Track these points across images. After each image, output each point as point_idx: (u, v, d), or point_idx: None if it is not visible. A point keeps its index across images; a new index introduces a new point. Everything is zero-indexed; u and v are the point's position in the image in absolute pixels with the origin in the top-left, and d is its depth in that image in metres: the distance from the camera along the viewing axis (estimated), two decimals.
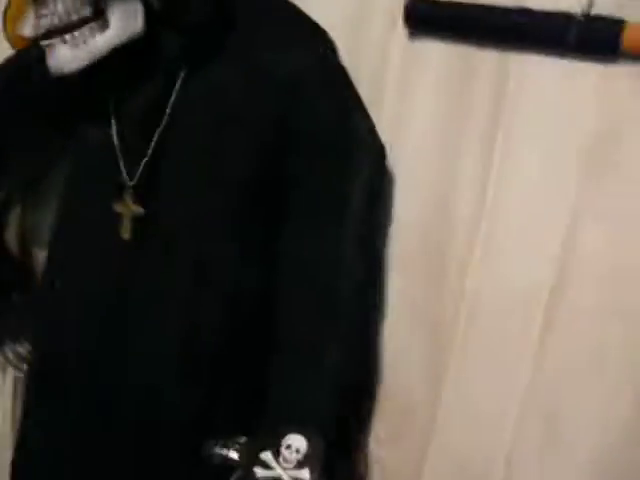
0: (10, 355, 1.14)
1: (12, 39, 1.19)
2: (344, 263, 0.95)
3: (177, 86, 0.94)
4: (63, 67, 0.88)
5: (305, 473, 0.86)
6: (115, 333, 1.00)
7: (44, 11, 0.87)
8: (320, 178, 0.94)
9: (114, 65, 0.90)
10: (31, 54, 0.98)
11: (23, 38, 1.09)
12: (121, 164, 0.98)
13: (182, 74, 0.94)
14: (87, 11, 0.86)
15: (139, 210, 0.97)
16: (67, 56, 0.87)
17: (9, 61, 1.10)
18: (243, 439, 0.92)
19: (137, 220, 0.97)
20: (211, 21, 0.91)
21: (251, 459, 0.88)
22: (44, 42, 0.88)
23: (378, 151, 0.98)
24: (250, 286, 0.98)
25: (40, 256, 1.23)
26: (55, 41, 0.87)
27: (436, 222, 0.97)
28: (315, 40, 0.96)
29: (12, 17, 1.24)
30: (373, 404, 1.04)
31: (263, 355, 0.94)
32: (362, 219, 0.96)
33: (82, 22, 0.86)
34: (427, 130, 0.97)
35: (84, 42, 0.87)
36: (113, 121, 0.98)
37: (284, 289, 0.95)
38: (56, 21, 0.86)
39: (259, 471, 0.87)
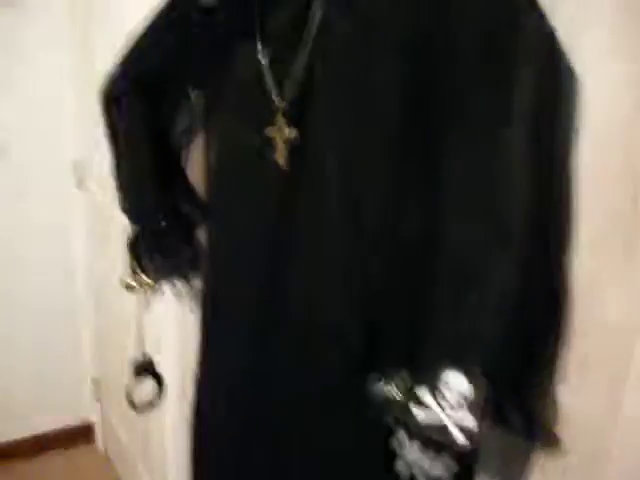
0: (183, 288, 1.17)
1: None
2: (516, 185, 0.80)
3: (321, 4, 0.86)
4: None
5: (469, 419, 0.77)
6: (278, 263, 0.97)
7: None
8: (482, 89, 0.79)
9: None
10: None
11: None
12: (271, 86, 0.93)
13: None
14: None
15: (293, 133, 0.92)
16: None
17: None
18: (404, 373, 0.85)
19: (291, 145, 0.92)
20: None
21: (407, 395, 0.81)
22: None
23: (551, 49, 0.81)
24: (409, 223, 0.87)
25: None
26: None
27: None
28: None
29: None
30: (560, 344, 0.90)
31: (426, 289, 0.85)
32: (536, 132, 0.81)
33: None
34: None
35: None
36: (259, 42, 0.94)
37: (446, 218, 0.83)
38: None
39: (418, 412, 0.80)
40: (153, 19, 1.11)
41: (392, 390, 0.85)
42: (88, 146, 2.33)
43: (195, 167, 1.23)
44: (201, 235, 1.18)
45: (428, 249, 0.84)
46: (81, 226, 2.52)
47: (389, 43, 0.83)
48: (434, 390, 0.78)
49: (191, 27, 1.00)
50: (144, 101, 1.13)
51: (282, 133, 0.93)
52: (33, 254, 2.49)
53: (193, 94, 1.15)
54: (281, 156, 0.94)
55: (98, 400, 2.67)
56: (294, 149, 0.92)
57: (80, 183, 2.47)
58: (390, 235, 0.87)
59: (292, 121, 0.92)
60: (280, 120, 0.93)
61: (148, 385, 1.26)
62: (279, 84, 0.93)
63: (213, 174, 1.11)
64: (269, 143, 0.94)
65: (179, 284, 1.19)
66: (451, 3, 0.79)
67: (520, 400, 0.85)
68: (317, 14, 0.88)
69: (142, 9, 1.11)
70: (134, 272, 1.17)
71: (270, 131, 0.94)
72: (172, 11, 1.06)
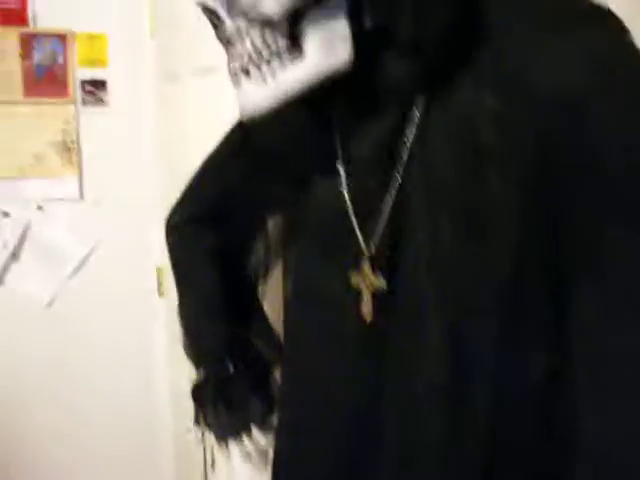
0: (250, 447, 1.00)
1: None
2: None
3: (414, 121, 0.72)
4: (247, 107, 0.72)
5: None
6: (366, 429, 0.80)
7: (233, 53, 0.72)
8: (617, 227, 0.64)
9: (327, 100, 0.72)
10: None
11: None
12: (355, 225, 0.79)
13: (419, 102, 0.72)
14: (282, 43, 0.69)
15: (381, 283, 0.76)
16: (251, 94, 0.71)
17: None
18: None
19: (379, 295, 0.77)
20: (451, 33, 0.67)
21: None
22: (232, 80, 0.73)
23: None
24: (524, 376, 0.71)
25: None
26: (240, 78, 0.72)
27: None
28: (594, 26, 0.66)
29: None
30: None
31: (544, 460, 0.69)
32: None
33: (273, 55, 0.70)
34: None
35: (272, 77, 0.70)
36: (342, 173, 0.80)
37: (578, 380, 0.68)
38: (245, 61, 0.70)
39: None
40: (222, 145, 1.00)
41: None
42: None
43: (272, 301, 1.09)
44: (274, 384, 1.02)
45: (552, 411, 0.69)
46: (162, 334, 2.42)
47: (498, 165, 0.67)
48: None
49: (265, 155, 0.88)
50: (213, 230, 1.01)
51: (368, 281, 0.77)
52: (111, 357, 2.40)
53: (268, 221, 1.02)
54: (367, 308, 0.78)
55: None
56: (382, 299, 0.77)
57: (161, 290, 2.39)
58: (502, 391, 0.72)
59: (380, 268, 0.76)
60: (366, 267, 0.78)
61: None
62: (365, 221, 0.78)
63: (289, 313, 0.96)
64: (353, 290, 0.79)
65: (247, 442, 1.02)
66: (579, 116, 0.63)
67: None
68: (409, 137, 0.73)
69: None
70: (199, 424, 1.02)
71: (355, 278, 0.78)
72: (242, 137, 0.95)
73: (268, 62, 0.70)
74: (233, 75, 0.73)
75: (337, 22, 0.69)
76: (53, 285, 2.36)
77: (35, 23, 2.26)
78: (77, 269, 2.37)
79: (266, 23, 0.69)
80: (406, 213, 0.74)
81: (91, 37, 2.29)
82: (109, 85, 2.31)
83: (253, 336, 1.05)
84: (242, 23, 0.70)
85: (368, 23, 0.69)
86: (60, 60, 2.28)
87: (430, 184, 0.72)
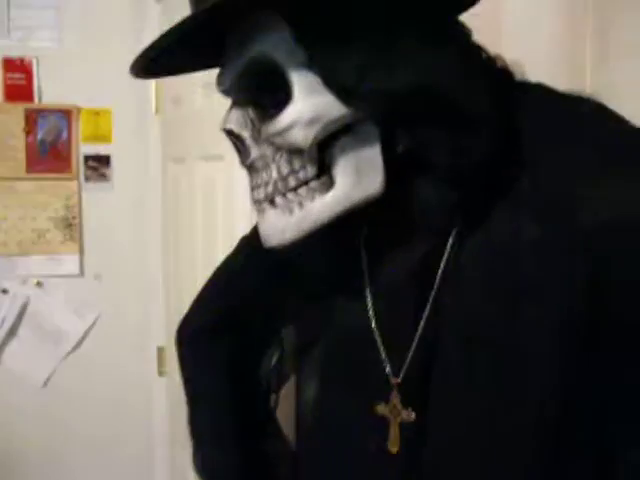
0: None
1: None
2: None
3: (446, 252, 0.68)
4: (271, 237, 0.68)
5: None
6: None
7: (258, 180, 0.69)
8: None
9: (357, 223, 0.68)
10: None
11: None
12: (382, 353, 0.74)
13: (453, 232, 0.68)
14: (310, 171, 0.66)
15: (410, 416, 0.71)
16: (276, 224, 0.67)
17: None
18: None
19: (407, 428, 0.72)
20: (490, 161, 0.64)
21: None
22: (254, 206, 0.70)
23: None
24: None
25: None
26: (264, 205, 0.69)
27: None
28: None
29: None
30: None
31: None
32: None
33: (301, 183, 0.66)
34: None
35: (299, 206, 0.66)
36: (369, 298, 0.76)
37: None
38: (270, 190, 0.67)
39: None
40: (236, 253, 0.97)
41: None
42: (172, 332, 2.20)
43: (285, 413, 1.03)
44: None
45: None
46: (163, 412, 2.34)
47: (538, 304, 0.63)
48: None
49: (284, 270, 0.84)
50: (226, 341, 0.96)
51: (396, 412, 0.72)
52: (109, 440, 2.32)
53: (284, 331, 0.97)
54: (393, 439, 0.73)
55: None
56: (409, 430, 0.71)
57: (162, 370, 2.33)
58: None
59: (409, 400, 0.71)
60: (395, 398, 0.72)
61: None
62: (393, 350, 0.73)
63: (308, 437, 0.90)
64: (378, 419, 0.73)
65: None
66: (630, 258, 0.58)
67: None
68: (440, 266, 0.69)
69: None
70: None
71: (381, 408, 0.73)
72: (260, 249, 0.91)
73: (295, 190, 0.67)
74: (256, 203, 0.70)
75: (369, 149, 0.65)
76: (50, 364, 2.29)
77: (40, 99, 2.25)
78: (75, 347, 2.31)
79: (294, 150, 0.66)
80: (437, 344, 0.70)
81: (96, 112, 2.28)
82: (113, 161, 2.29)
83: (265, 450, 0.99)
84: (268, 150, 0.67)
85: (400, 149, 0.66)
86: (64, 135, 2.26)
87: (463, 315, 0.68)
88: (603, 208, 0.59)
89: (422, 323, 0.71)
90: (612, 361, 0.60)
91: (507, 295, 0.64)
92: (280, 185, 0.67)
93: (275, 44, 0.63)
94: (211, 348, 0.97)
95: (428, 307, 0.70)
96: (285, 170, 0.67)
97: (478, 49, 0.69)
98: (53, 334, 2.29)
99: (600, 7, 0.88)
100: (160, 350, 2.32)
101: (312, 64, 0.63)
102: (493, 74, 0.69)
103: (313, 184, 0.66)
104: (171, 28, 0.63)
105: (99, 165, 2.28)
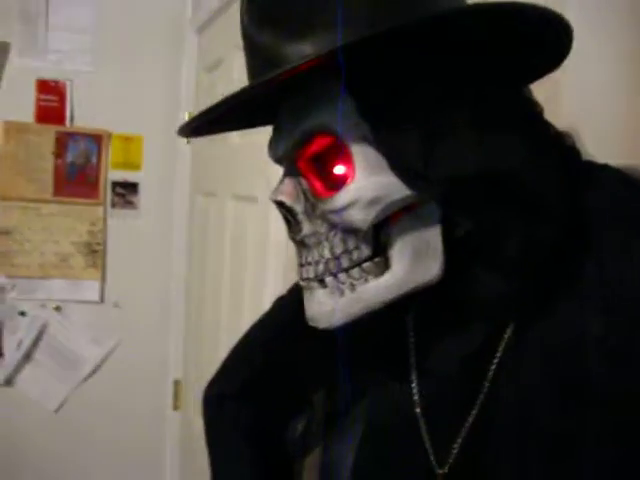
0: None
1: None
2: None
3: (504, 342, 0.64)
4: (318, 318, 0.64)
5: None
6: None
7: (308, 258, 0.64)
8: None
9: (409, 308, 0.64)
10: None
11: None
12: (427, 443, 0.69)
13: (511, 324, 0.64)
14: (364, 252, 0.61)
15: None
16: (325, 305, 0.63)
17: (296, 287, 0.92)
18: None
19: None
20: (554, 255, 0.60)
21: None
22: (302, 284, 0.66)
23: None
24: None
25: None
26: (313, 284, 0.64)
27: None
28: None
29: None
30: None
31: None
32: None
33: (354, 264, 0.62)
34: None
35: (351, 288, 0.62)
36: (414, 383, 0.71)
37: None
38: (321, 269, 0.63)
39: None
40: (269, 317, 0.92)
41: None
42: (190, 366, 2.16)
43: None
44: None
45: None
46: (175, 452, 2.29)
47: (601, 409, 0.58)
48: None
49: (321, 341, 0.79)
50: (253, 407, 0.91)
51: None
52: (118, 472, 2.27)
53: (315, 398, 0.92)
54: None
55: None
56: None
57: (177, 404, 2.28)
58: None
59: None
60: None
61: None
62: (438, 439, 0.69)
63: None
64: None
65: None
66: None
67: None
68: (495, 359, 0.65)
69: None
70: None
71: None
72: (295, 315, 0.87)
73: (347, 271, 0.62)
74: (305, 281, 0.65)
75: (429, 232, 0.61)
76: (64, 390, 2.26)
77: (72, 122, 2.23)
78: (90, 374, 2.27)
79: (350, 230, 0.62)
80: (487, 437, 0.65)
81: (127, 138, 2.26)
82: (141, 189, 2.27)
83: None
84: (322, 227, 0.63)
85: (460, 231, 0.61)
86: (93, 160, 2.24)
87: (519, 411, 0.63)
88: None
89: (473, 413, 0.66)
90: None
91: (569, 391, 0.60)
92: (332, 265, 0.63)
93: (337, 116, 0.59)
94: (236, 413, 0.92)
95: (481, 397, 0.66)
96: (338, 249, 0.62)
97: (548, 125, 0.65)
98: (69, 360, 2.25)
99: None
100: (176, 383, 2.28)
101: (376, 141, 0.59)
102: (562, 154, 0.64)
103: (367, 266, 0.62)
104: (229, 97, 0.59)
105: (126, 192, 2.26)
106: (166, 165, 2.26)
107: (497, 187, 0.59)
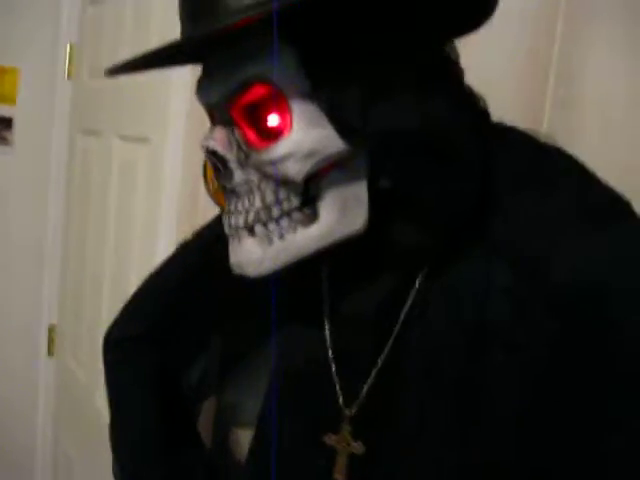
0: None
1: (214, 196, 1.03)
2: None
3: (414, 288, 0.67)
4: (246, 266, 0.64)
5: None
6: None
7: (238, 206, 0.64)
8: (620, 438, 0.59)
9: (324, 257, 0.66)
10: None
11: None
12: (336, 385, 0.72)
13: (421, 273, 0.67)
14: (294, 202, 0.62)
15: (359, 449, 0.70)
16: (253, 254, 0.63)
17: (203, 232, 0.91)
18: None
19: (355, 460, 0.70)
20: (468, 209, 0.63)
21: None
22: (229, 231, 0.66)
23: None
24: None
25: (241, 435, 1.02)
26: (241, 233, 0.64)
27: None
28: (620, 219, 0.62)
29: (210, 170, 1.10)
30: None
31: None
32: None
33: (283, 214, 0.63)
34: None
35: (280, 237, 0.63)
36: (327, 329, 0.74)
37: None
38: (251, 219, 0.63)
39: None
40: (174, 260, 0.92)
41: None
42: (67, 312, 2.09)
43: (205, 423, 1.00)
44: None
45: None
46: (49, 401, 2.22)
47: (504, 353, 0.63)
48: None
49: (229, 285, 0.80)
50: (154, 348, 0.91)
51: (345, 446, 0.71)
52: None
53: (214, 343, 0.93)
54: (341, 471, 0.71)
55: None
56: (358, 466, 0.70)
57: (51, 349, 2.21)
58: None
59: (360, 433, 0.70)
60: (345, 430, 0.71)
61: None
62: (348, 381, 0.72)
63: (247, 462, 0.87)
64: (326, 449, 0.72)
65: None
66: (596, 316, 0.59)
67: None
68: (405, 305, 0.68)
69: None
70: None
71: (330, 438, 0.72)
72: (203, 260, 0.87)
73: (277, 221, 0.63)
74: (233, 229, 0.65)
75: (356, 185, 0.62)
76: None
77: None
78: None
79: (283, 181, 0.62)
80: (395, 379, 0.69)
81: (1, 70, 2.10)
82: (15, 124, 2.13)
83: (189, 462, 0.95)
84: (254, 176, 0.63)
85: (385, 184, 0.63)
86: None
87: (425, 355, 0.67)
88: (573, 268, 0.60)
89: (382, 357, 0.69)
90: (564, 418, 0.61)
91: (473, 336, 0.64)
92: (263, 214, 0.63)
93: (281, 67, 0.59)
94: (136, 356, 0.92)
95: (390, 342, 0.69)
96: (269, 199, 0.63)
97: (466, 87, 0.68)
98: None
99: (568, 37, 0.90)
100: (51, 329, 2.20)
101: (315, 94, 0.59)
102: (477, 115, 0.68)
103: (296, 215, 0.63)
104: (162, 48, 0.57)
105: (0, 127, 2.11)
106: (44, 100, 2.12)
107: (424, 144, 0.61)
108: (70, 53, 2.08)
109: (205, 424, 1.05)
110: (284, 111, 0.60)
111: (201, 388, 0.98)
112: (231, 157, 0.63)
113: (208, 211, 0.96)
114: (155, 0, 1.46)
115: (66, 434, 2.10)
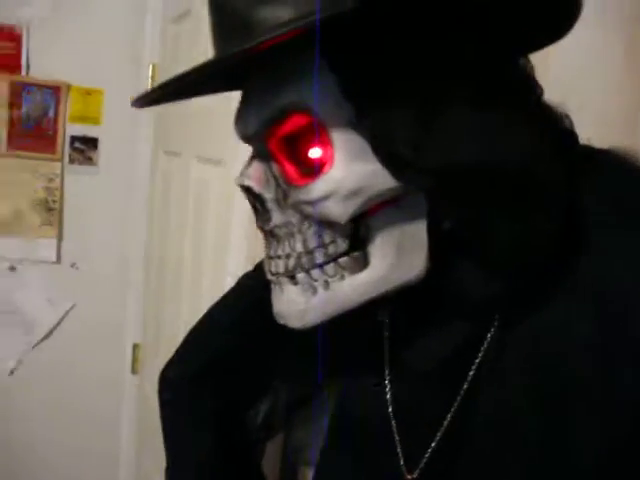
0: None
1: None
2: None
3: (486, 342, 0.59)
4: (288, 317, 0.58)
5: None
6: None
7: (278, 250, 0.58)
8: None
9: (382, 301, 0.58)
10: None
11: None
12: (398, 446, 0.65)
13: (495, 321, 0.59)
14: (340, 246, 0.55)
15: None
16: (296, 304, 0.57)
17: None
18: None
19: None
20: (549, 251, 0.54)
21: None
22: (271, 278, 0.59)
23: None
24: None
25: (310, 474, 0.95)
26: (282, 280, 0.58)
27: None
28: None
29: None
30: None
31: None
32: None
33: (329, 259, 0.56)
34: None
35: (325, 286, 0.56)
36: (387, 381, 0.66)
37: None
38: (292, 265, 0.56)
39: None
40: (235, 293, 0.86)
41: None
42: (150, 330, 2.10)
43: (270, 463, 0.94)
44: None
45: None
46: (132, 415, 2.24)
47: (587, 410, 0.54)
48: None
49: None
50: (214, 389, 0.85)
51: None
52: (75, 437, 2.21)
53: (278, 382, 0.87)
54: None
55: None
56: None
57: (135, 367, 2.22)
58: None
59: None
60: None
61: None
62: (409, 442, 0.64)
63: None
64: None
65: None
66: None
67: None
68: (477, 358, 0.60)
69: None
70: None
71: None
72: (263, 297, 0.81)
73: (321, 267, 0.56)
74: (274, 276, 0.59)
75: (413, 225, 0.55)
76: (18, 352, 2.18)
77: (28, 71, 2.11)
78: (46, 337, 2.19)
79: (326, 222, 0.55)
80: (461, 442, 0.61)
81: (87, 92, 2.14)
82: (101, 144, 2.16)
83: None
84: (294, 218, 0.56)
85: (447, 225, 0.55)
86: (51, 113, 2.13)
87: (498, 416, 0.58)
88: None
89: (449, 417, 0.61)
90: None
91: (555, 397, 0.55)
92: (305, 260, 0.56)
93: (321, 95, 0.52)
94: (194, 396, 0.86)
95: (458, 400, 0.61)
96: (312, 243, 0.56)
97: (547, 108, 0.59)
98: (24, 322, 2.17)
99: None
100: (135, 347, 2.21)
101: (360, 124, 0.52)
102: (560, 140, 0.58)
103: (343, 261, 0.56)
104: (194, 69, 0.51)
105: (86, 148, 2.15)
106: (127, 121, 2.15)
107: (493, 179, 0.52)
108: (152, 73, 2.09)
109: (271, 464, 1.00)
110: (325, 143, 0.53)
111: (266, 428, 0.92)
112: (268, 196, 0.56)
113: None
114: None
115: (147, 447, 2.10)
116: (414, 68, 0.51)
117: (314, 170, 0.53)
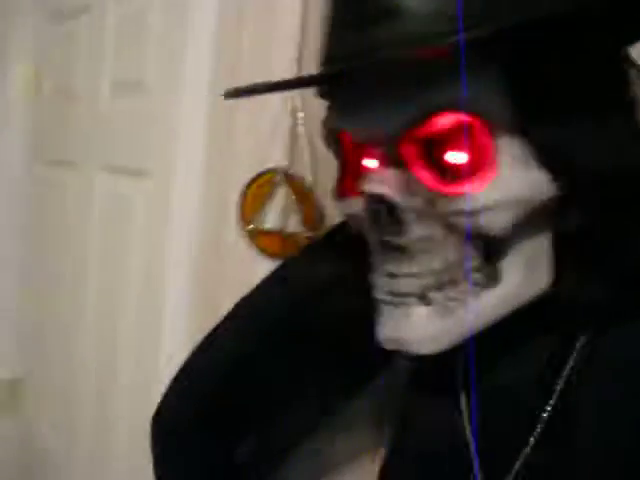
0: None
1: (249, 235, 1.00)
2: None
3: (574, 355, 0.56)
4: (414, 344, 0.52)
5: None
6: None
7: (412, 268, 0.51)
8: None
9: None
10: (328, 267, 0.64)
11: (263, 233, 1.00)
12: (477, 475, 0.60)
13: (581, 339, 0.56)
14: (477, 260, 0.51)
15: None
16: (428, 328, 0.51)
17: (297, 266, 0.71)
18: None
19: None
20: None
21: None
22: (384, 297, 0.53)
23: None
24: None
25: None
26: (409, 301, 0.52)
27: None
28: None
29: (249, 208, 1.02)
30: None
31: None
32: None
33: (464, 276, 0.51)
34: None
35: (461, 306, 0.51)
36: (462, 399, 0.61)
37: None
38: (430, 282, 0.51)
39: None
40: (236, 316, 0.70)
41: None
42: (27, 363, 1.88)
43: None
44: None
45: None
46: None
47: None
48: None
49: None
50: (232, 437, 0.72)
51: None
52: None
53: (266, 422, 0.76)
54: None
55: None
56: None
57: (9, 405, 1.98)
58: None
59: None
60: None
61: None
62: (488, 473, 0.59)
63: None
64: None
65: None
66: None
67: None
68: (561, 378, 0.57)
69: None
70: None
71: None
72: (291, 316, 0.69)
73: (459, 285, 0.51)
74: (396, 296, 0.52)
75: (540, 236, 0.51)
76: None
77: None
78: None
79: (476, 237, 0.50)
80: (550, 469, 0.56)
81: None
82: None
83: None
84: (438, 231, 0.50)
85: (571, 229, 0.52)
86: None
87: (594, 440, 0.55)
88: None
89: (532, 440, 0.57)
90: None
91: None
92: (444, 277, 0.51)
93: (483, 95, 0.47)
94: (206, 447, 0.72)
95: (540, 424, 0.57)
96: (453, 258, 0.50)
97: None
98: None
99: None
100: (11, 384, 1.97)
101: (524, 128, 0.48)
102: None
103: (476, 277, 0.51)
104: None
105: None
106: None
107: (626, 185, 0.50)
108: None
109: None
110: (484, 148, 0.48)
111: (250, 469, 0.80)
112: (408, 205, 0.50)
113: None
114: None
115: None
116: (584, 77, 0.49)
117: (462, 177, 0.48)
